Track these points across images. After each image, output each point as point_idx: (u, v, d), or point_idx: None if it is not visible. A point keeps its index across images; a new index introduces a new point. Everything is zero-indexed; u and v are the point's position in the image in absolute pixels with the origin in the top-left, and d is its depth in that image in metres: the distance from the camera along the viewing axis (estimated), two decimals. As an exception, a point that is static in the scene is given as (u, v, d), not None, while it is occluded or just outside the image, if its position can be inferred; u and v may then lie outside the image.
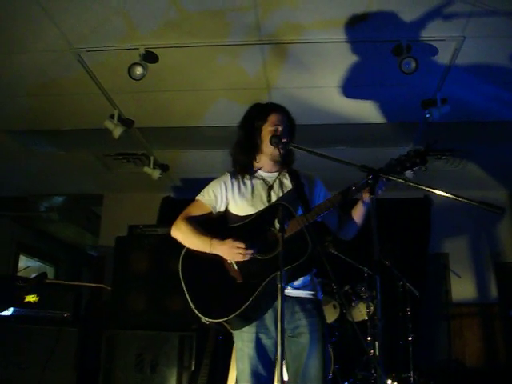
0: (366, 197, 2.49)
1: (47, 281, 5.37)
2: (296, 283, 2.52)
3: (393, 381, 5.08)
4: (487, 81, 4.32)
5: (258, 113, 2.75)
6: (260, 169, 2.74)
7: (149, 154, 6.04)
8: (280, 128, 2.65)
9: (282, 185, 2.68)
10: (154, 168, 6.05)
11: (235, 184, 2.71)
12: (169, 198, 7.33)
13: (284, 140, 2.59)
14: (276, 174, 2.73)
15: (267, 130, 2.66)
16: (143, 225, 5.73)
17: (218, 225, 2.69)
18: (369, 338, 5.07)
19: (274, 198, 2.62)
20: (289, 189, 2.64)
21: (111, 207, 7.60)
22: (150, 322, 5.10)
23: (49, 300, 5.09)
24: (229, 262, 2.52)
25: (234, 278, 2.49)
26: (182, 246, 2.66)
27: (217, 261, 2.54)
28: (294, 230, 2.43)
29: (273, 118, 2.68)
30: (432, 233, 6.84)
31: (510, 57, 3.95)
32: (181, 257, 2.62)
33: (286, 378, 2.54)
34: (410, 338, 5.27)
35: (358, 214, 2.61)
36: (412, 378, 5.08)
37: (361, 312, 5.36)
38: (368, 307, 5.11)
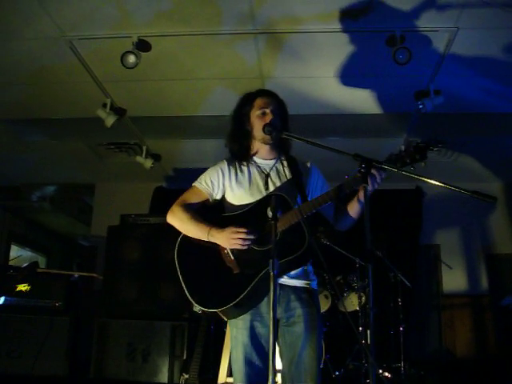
0: (361, 195, 2.49)
1: (39, 270, 5.35)
2: (292, 273, 2.50)
3: (384, 371, 5.11)
4: (480, 73, 4.32)
5: (245, 100, 2.74)
6: (255, 155, 2.71)
7: (141, 143, 6.02)
8: (267, 110, 2.63)
9: (279, 173, 2.65)
10: (146, 158, 6.04)
11: (232, 172, 2.67)
12: (161, 187, 7.31)
13: (270, 121, 2.57)
14: (273, 161, 2.69)
15: (255, 115, 2.65)
16: (135, 214, 5.72)
17: (214, 213, 2.67)
18: (360, 328, 5.10)
19: (271, 187, 2.59)
20: (286, 178, 2.61)
21: (103, 197, 7.56)
22: (141, 311, 5.10)
23: (40, 289, 5.07)
24: (226, 251, 2.50)
25: (231, 268, 2.47)
26: (175, 235, 2.63)
27: (213, 250, 2.52)
28: (290, 223, 2.41)
29: (259, 101, 2.67)
30: (423, 224, 6.88)
31: (503, 49, 3.95)
32: (176, 244, 2.60)
33: (279, 366, 2.55)
34: (401, 329, 5.32)
35: (353, 209, 2.60)
36: (403, 368, 5.13)
37: (352, 302, 5.39)
38: (360, 297, 5.13)
